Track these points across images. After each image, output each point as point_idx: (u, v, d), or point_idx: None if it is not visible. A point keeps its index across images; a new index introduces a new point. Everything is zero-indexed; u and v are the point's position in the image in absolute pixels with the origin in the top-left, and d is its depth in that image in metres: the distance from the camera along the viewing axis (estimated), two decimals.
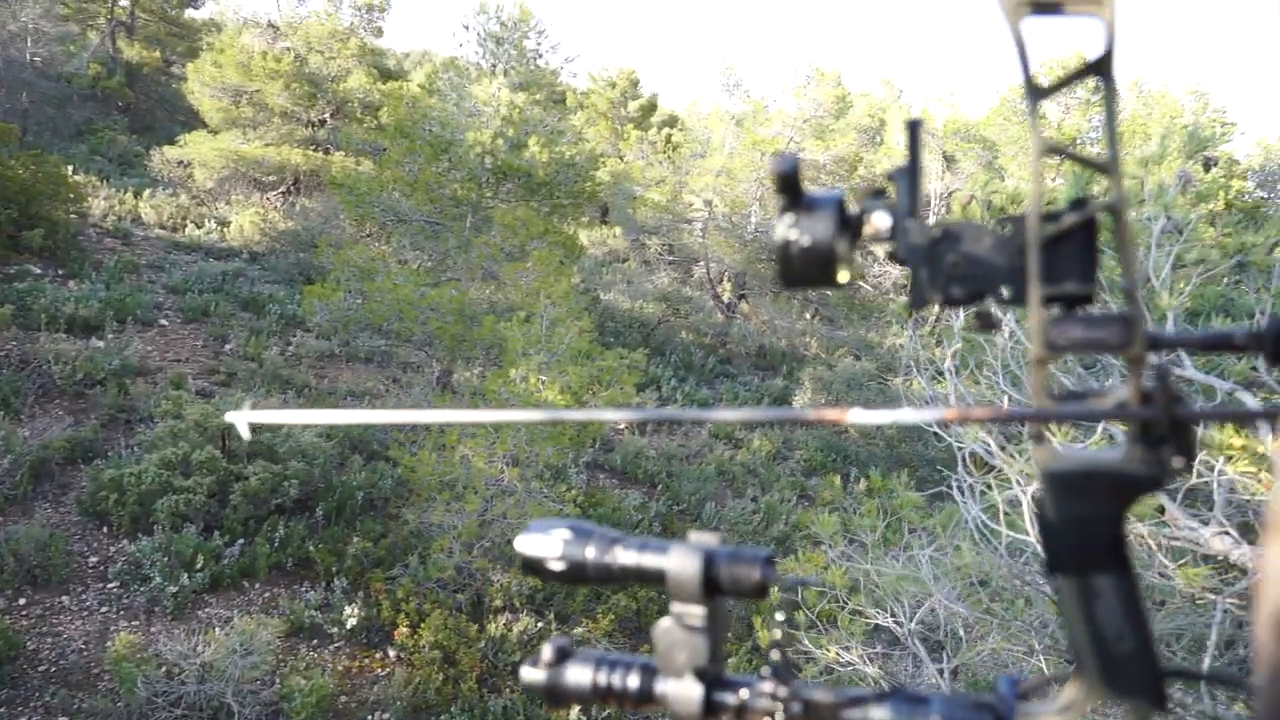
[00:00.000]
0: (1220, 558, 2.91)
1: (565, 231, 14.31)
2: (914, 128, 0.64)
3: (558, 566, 0.68)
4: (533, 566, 0.69)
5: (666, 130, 28.32)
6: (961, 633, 4.24)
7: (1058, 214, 0.59)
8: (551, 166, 13.63)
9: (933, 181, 19.62)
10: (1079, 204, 0.60)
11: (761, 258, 21.27)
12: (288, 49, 21.69)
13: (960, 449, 3.70)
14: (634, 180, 25.19)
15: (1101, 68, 0.56)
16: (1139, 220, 3.57)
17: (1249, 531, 2.91)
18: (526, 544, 0.69)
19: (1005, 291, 0.62)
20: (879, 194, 0.65)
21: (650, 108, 32.37)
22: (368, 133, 19.71)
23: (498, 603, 9.33)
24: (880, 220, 0.64)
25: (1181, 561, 2.98)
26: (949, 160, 21.72)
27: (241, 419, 0.71)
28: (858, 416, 0.61)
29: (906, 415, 0.59)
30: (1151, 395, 0.56)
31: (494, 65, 14.36)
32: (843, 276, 0.61)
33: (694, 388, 17.71)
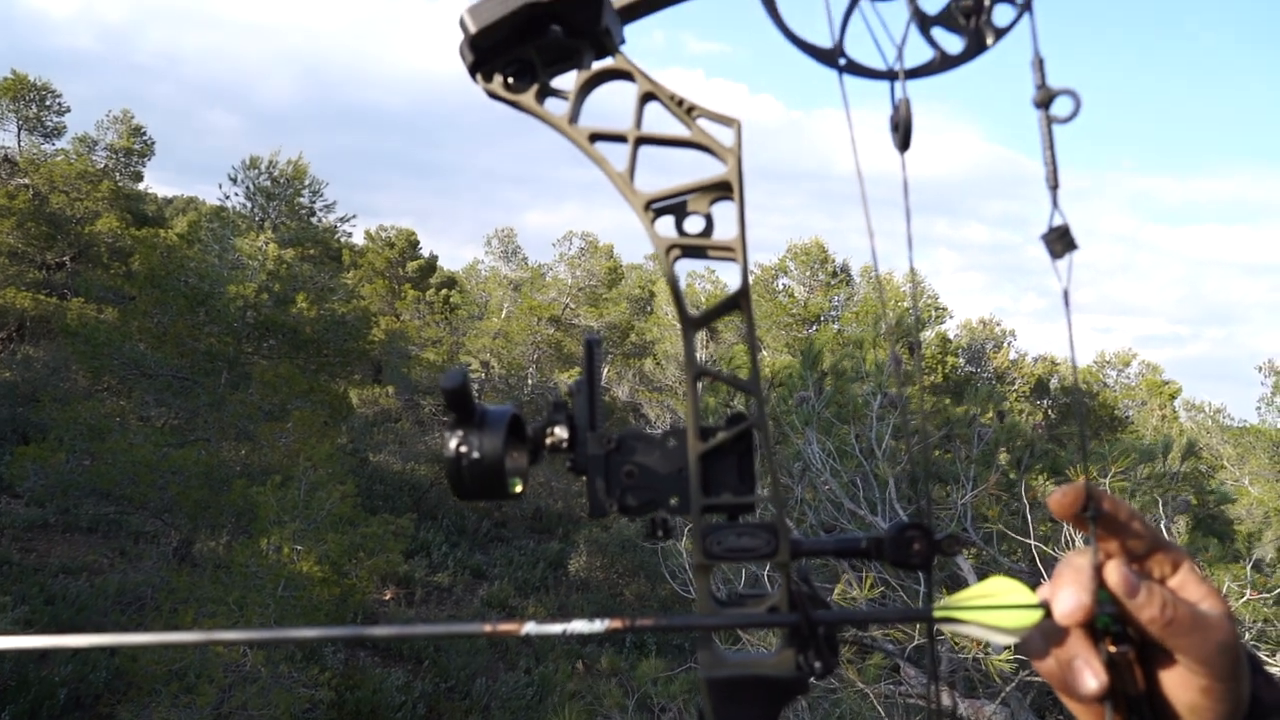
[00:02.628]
0: (949, 713, 3.14)
1: (333, 390, 13.74)
2: (590, 347, 0.69)
3: None
4: None
5: (445, 291, 28.52)
6: None
7: (714, 429, 0.65)
8: (320, 323, 13.20)
9: (700, 350, 20.99)
10: (735, 419, 0.66)
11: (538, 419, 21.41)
12: (25, 185, 19.95)
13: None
14: (410, 340, 24.89)
15: (740, 302, 0.63)
16: (861, 396, 4.00)
17: (971, 687, 3.17)
18: None
19: (674, 501, 0.66)
20: (559, 407, 0.68)
21: (429, 268, 32.57)
22: (114, 279, 18.24)
23: None
24: (560, 431, 0.67)
25: (918, 717, 3.18)
26: (713, 332, 23.39)
27: None
28: (532, 628, 0.61)
29: (578, 626, 0.60)
30: (798, 600, 0.60)
31: (263, 219, 13.98)
32: (516, 489, 0.62)
33: (467, 553, 17.07)
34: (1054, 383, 23.51)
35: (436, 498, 19.72)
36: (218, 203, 17.50)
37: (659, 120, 0.67)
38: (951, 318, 25.65)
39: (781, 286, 23.30)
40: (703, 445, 0.63)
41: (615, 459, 0.66)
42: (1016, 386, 21.83)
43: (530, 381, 22.38)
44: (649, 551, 17.94)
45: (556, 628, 0.61)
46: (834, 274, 22.45)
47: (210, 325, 12.57)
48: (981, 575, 4.01)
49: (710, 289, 23.43)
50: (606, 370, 23.84)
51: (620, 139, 0.64)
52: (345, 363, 14.44)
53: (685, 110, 0.64)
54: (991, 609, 0.57)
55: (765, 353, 19.89)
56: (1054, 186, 0.60)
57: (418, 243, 32.49)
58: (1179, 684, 0.58)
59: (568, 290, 23.11)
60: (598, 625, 0.60)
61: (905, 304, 20.77)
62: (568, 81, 0.66)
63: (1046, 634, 0.59)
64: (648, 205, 0.63)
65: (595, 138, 0.64)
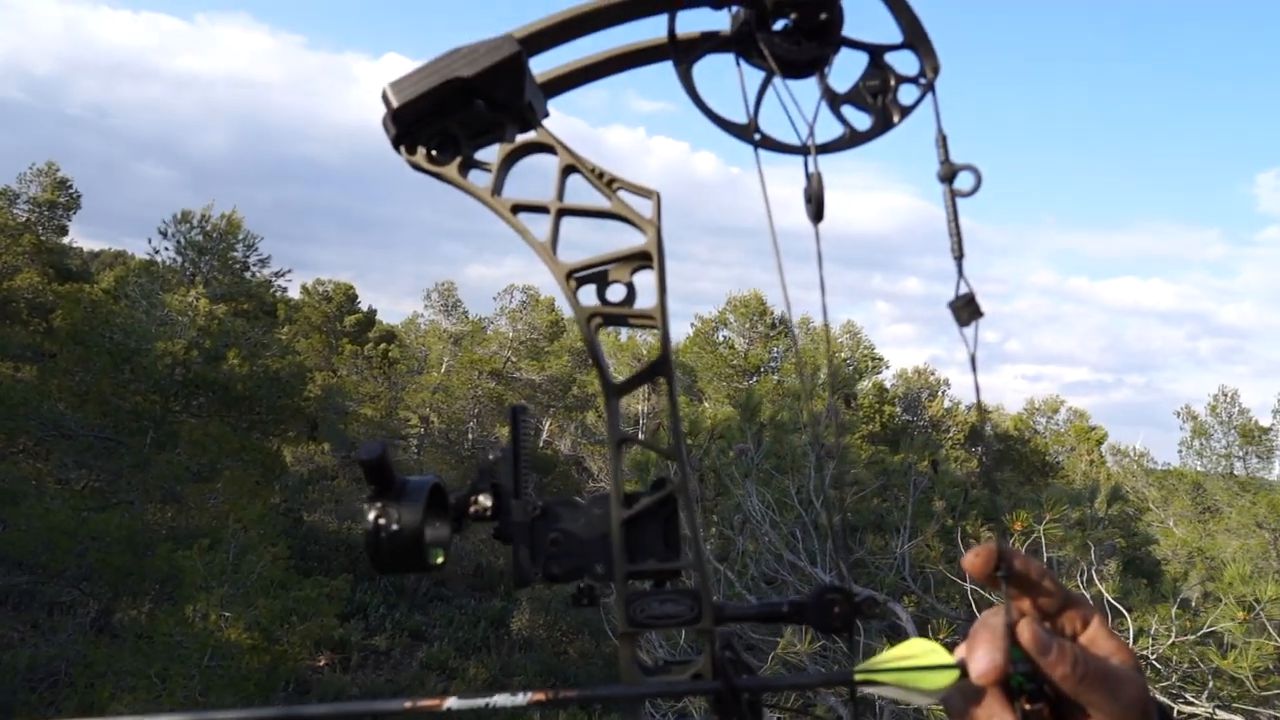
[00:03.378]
0: None
1: (265, 448, 13.36)
2: (515, 414, 0.69)
3: None
4: None
5: (384, 345, 28.13)
6: None
7: (638, 496, 0.65)
8: (253, 380, 12.88)
9: (639, 403, 21.03)
10: (658, 485, 0.67)
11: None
12: None
13: None
14: (347, 395, 24.42)
15: (661, 369, 0.64)
16: (800, 447, 4.06)
17: None
18: None
19: (599, 568, 0.66)
20: (485, 474, 0.68)
21: (368, 323, 32.14)
22: (33, 336, 17.58)
23: None
24: (485, 500, 0.67)
25: None
26: (654, 384, 23.44)
27: None
28: (455, 703, 0.60)
29: (501, 699, 0.59)
30: (720, 666, 0.60)
31: (194, 274, 13.68)
32: (437, 560, 0.61)
33: (406, 614, 16.58)
34: (987, 430, 24.11)
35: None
36: (147, 257, 17.11)
37: (584, 191, 0.68)
38: (888, 368, 26.24)
39: (722, 338, 23.58)
40: (626, 512, 0.63)
41: (540, 527, 0.66)
42: (951, 434, 22.32)
43: (471, 436, 22.10)
44: (592, 609, 17.67)
45: (480, 701, 0.60)
46: (773, 326, 22.82)
47: (136, 383, 12.16)
48: (921, 623, 4.04)
49: (653, 341, 23.61)
50: (549, 424, 23.68)
51: (542, 210, 0.65)
52: (279, 420, 14.08)
53: (606, 183, 0.65)
54: (910, 670, 0.58)
55: (707, 404, 19.99)
56: (959, 257, 0.63)
57: (356, 297, 32.10)
58: None
59: (509, 344, 23.02)
60: (521, 698, 0.59)
61: (841, 355, 21.17)
62: (491, 154, 0.68)
63: (964, 693, 0.60)
64: (569, 275, 0.64)
65: (518, 209, 0.65)
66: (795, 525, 4.20)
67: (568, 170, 0.66)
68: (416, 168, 0.68)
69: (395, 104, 0.65)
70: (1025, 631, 0.57)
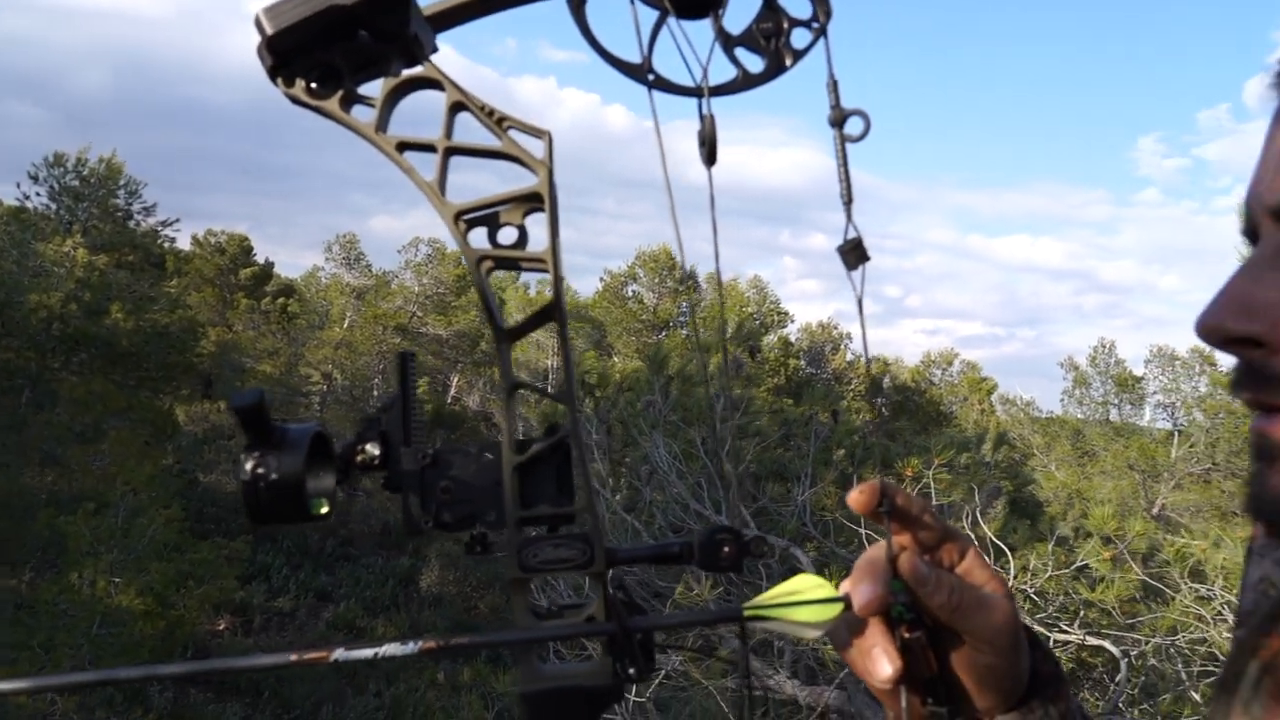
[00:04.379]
0: (791, 701, 3.28)
1: (156, 406, 12.76)
2: (403, 359, 0.67)
3: None
4: None
5: (282, 300, 27.10)
6: None
7: (529, 442, 0.65)
8: (140, 335, 12.24)
9: (549, 358, 20.95)
10: (551, 430, 0.66)
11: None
12: None
13: None
14: (244, 351, 23.50)
15: (553, 314, 0.63)
16: (706, 399, 4.12)
17: (811, 675, 3.32)
18: None
19: (492, 515, 0.65)
20: (371, 423, 0.66)
21: (265, 276, 30.85)
22: None
23: None
24: (372, 449, 0.65)
25: (764, 709, 3.29)
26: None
27: None
28: (341, 655, 0.58)
29: (390, 649, 0.58)
30: (613, 608, 0.61)
31: (70, 222, 12.83)
32: (321, 510, 0.59)
33: (310, 575, 16.27)
34: (886, 381, 24.96)
35: None
36: (16, 203, 15.90)
37: (473, 130, 0.66)
38: (793, 322, 26.83)
39: (631, 293, 23.61)
40: (518, 457, 0.62)
41: (431, 475, 0.65)
42: (853, 386, 23.04)
43: (376, 392, 21.63)
44: (503, 563, 17.71)
45: (367, 652, 0.59)
46: (681, 280, 22.97)
47: (8, 338, 11.39)
48: (820, 566, 4.21)
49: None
50: (457, 379, 23.36)
51: (429, 148, 0.63)
52: (169, 377, 13.44)
53: (496, 121, 0.63)
54: (797, 605, 0.60)
55: (616, 358, 20.07)
56: (848, 202, 0.63)
57: (251, 249, 30.70)
58: (966, 663, 0.63)
59: (415, 298, 22.51)
60: (411, 647, 0.59)
61: (748, 309, 21.50)
62: (376, 89, 0.65)
63: (849, 625, 0.62)
64: (458, 216, 0.62)
65: (403, 147, 0.63)
66: (701, 475, 4.30)
67: (456, 107, 0.64)
68: (295, 101, 0.64)
69: (270, 31, 0.61)
70: (905, 564, 0.60)
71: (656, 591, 4.20)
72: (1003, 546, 3.69)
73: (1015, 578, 3.60)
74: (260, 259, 31.02)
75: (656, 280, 22.98)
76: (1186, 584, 3.59)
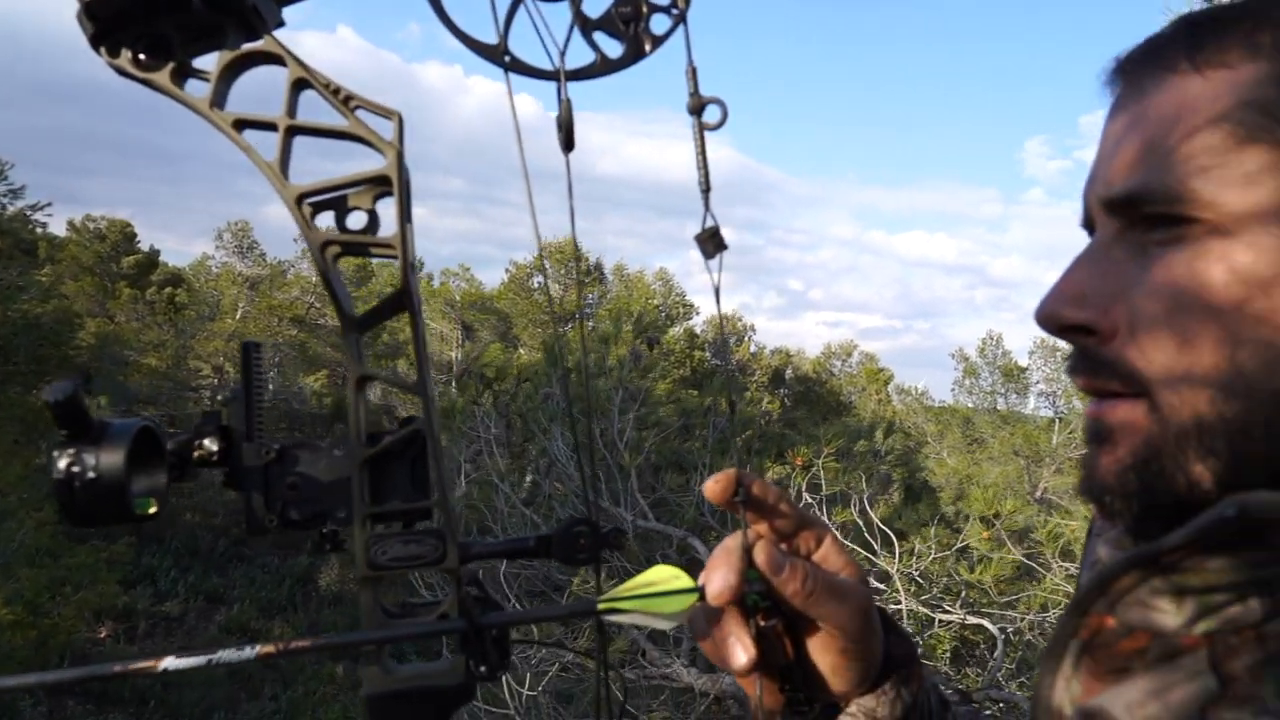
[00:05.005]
0: (688, 689, 3.32)
1: (26, 403, 11.96)
2: (246, 349, 0.64)
3: None
4: None
5: (169, 290, 25.79)
6: None
7: (380, 435, 0.62)
8: (7, 326, 11.45)
9: (453, 350, 20.57)
10: (406, 422, 0.64)
11: (282, 426, 20.00)
12: None
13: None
14: (127, 344, 22.26)
15: (404, 302, 0.61)
16: (604, 390, 4.11)
17: (710, 663, 3.35)
18: None
19: (342, 512, 0.62)
20: (210, 417, 0.63)
21: (149, 264, 29.28)
22: None
23: None
24: (210, 444, 0.61)
25: (662, 698, 3.32)
26: (468, 330, 23.04)
27: None
28: (172, 663, 0.55)
29: (225, 655, 0.55)
30: (465, 605, 0.59)
31: None
32: (149, 510, 0.56)
33: (201, 577, 15.59)
34: (789, 373, 25.52)
35: (162, 519, 17.80)
36: None
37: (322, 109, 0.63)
38: (699, 314, 27.08)
39: (537, 284, 23.41)
40: (367, 451, 0.60)
41: (276, 471, 0.62)
42: (756, 377, 23.45)
43: (272, 386, 20.83)
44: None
45: (200, 659, 0.56)
46: (587, 272, 22.90)
47: None
48: None
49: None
50: None
51: (270, 127, 0.60)
52: (42, 371, 12.60)
53: (342, 100, 0.61)
54: (652, 596, 0.59)
55: (522, 350, 19.89)
56: (706, 190, 0.63)
57: (135, 236, 29.10)
58: (822, 649, 0.63)
59: (313, 289, 21.74)
60: (248, 652, 0.56)
61: (654, 301, 21.61)
62: (212, 62, 0.61)
63: (707, 615, 0.62)
64: (301, 198, 0.59)
65: (241, 124, 0.59)
66: (599, 467, 4.28)
67: (299, 84, 0.61)
68: (121, 73, 0.60)
69: None
70: (760, 553, 0.60)
71: (557, 585, 4.17)
72: (889, 532, 3.82)
73: (900, 561, 3.73)
74: (145, 246, 29.44)
75: (562, 272, 22.85)
76: (1057, 563, 3.81)
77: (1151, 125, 0.53)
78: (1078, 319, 0.55)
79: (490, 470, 4.27)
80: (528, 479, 5.14)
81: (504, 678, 3.61)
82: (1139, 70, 0.56)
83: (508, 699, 3.54)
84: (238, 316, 21.21)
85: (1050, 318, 0.56)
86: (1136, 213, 0.53)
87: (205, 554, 16.92)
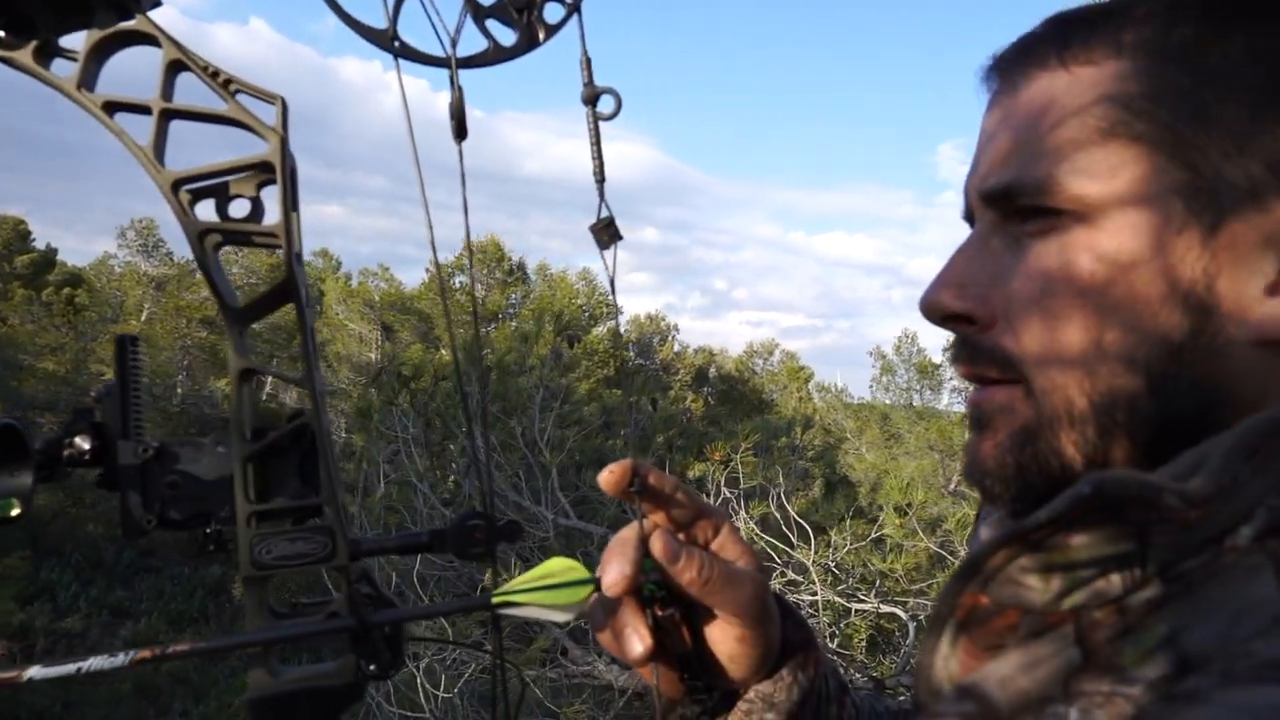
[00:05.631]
0: (609, 686, 3.32)
1: None
2: (121, 344, 0.61)
3: None
4: None
5: (68, 290, 24.56)
6: None
7: (265, 430, 0.60)
8: None
9: (372, 351, 20.12)
10: (294, 417, 0.62)
11: (192, 430, 19.25)
12: None
13: None
14: (21, 347, 21.10)
15: (290, 293, 0.59)
16: (525, 389, 4.09)
17: None
18: None
19: (225, 511, 0.60)
20: (82, 414, 0.60)
21: (46, 264, 27.83)
22: None
23: None
24: (82, 442, 0.59)
25: (583, 696, 3.31)
26: (388, 330, 22.57)
27: None
28: (38, 672, 0.52)
29: (96, 663, 0.53)
30: (355, 602, 0.58)
31: None
32: (12, 511, 0.53)
33: (104, 590, 14.88)
34: (712, 372, 25.78)
35: (61, 531, 16.96)
36: None
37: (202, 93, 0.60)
38: (623, 314, 27.12)
39: (459, 284, 23.09)
40: (251, 447, 0.58)
41: (154, 469, 0.59)
42: (680, 376, 23.61)
43: (180, 390, 20.05)
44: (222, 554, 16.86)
45: (70, 667, 0.53)
46: (510, 272, 22.71)
47: None
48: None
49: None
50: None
51: (144, 110, 0.57)
52: None
53: (222, 83, 0.58)
54: (548, 589, 0.59)
55: (443, 350, 19.55)
56: (600, 181, 0.63)
57: (29, 234, 27.62)
58: (720, 636, 0.64)
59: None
60: (121, 659, 0.53)
61: (578, 301, 21.56)
62: (81, 42, 0.58)
63: (605, 607, 0.62)
64: (177, 185, 0.57)
65: (112, 107, 0.57)
66: (520, 466, 4.26)
67: (175, 66, 0.58)
68: None
69: None
70: (656, 543, 0.60)
71: (486, 588, 4.12)
72: (805, 525, 3.90)
73: (817, 553, 3.82)
74: (41, 245, 27.97)
75: (485, 272, 22.59)
76: (966, 550, 3.92)
77: (1022, 120, 0.55)
78: (958, 308, 0.57)
79: (409, 471, 4.19)
80: (450, 479, 5.06)
81: (419, 681, 3.55)
82: (1012, 67, 0.58)
83: (423, 702, 3.48)
84: (143, 318, 20.35)
85: (932, 307, 0.58)
86: (1011, 205, 0.55)
87: (109, 566, 16.15)
